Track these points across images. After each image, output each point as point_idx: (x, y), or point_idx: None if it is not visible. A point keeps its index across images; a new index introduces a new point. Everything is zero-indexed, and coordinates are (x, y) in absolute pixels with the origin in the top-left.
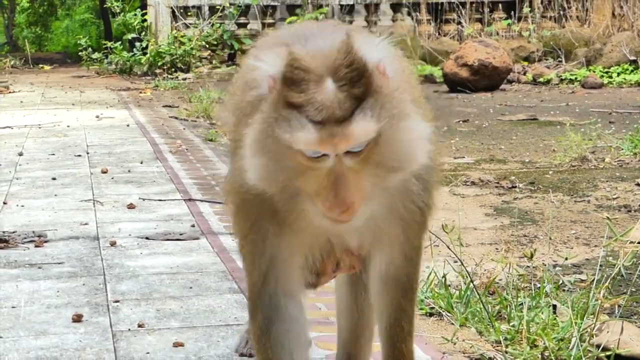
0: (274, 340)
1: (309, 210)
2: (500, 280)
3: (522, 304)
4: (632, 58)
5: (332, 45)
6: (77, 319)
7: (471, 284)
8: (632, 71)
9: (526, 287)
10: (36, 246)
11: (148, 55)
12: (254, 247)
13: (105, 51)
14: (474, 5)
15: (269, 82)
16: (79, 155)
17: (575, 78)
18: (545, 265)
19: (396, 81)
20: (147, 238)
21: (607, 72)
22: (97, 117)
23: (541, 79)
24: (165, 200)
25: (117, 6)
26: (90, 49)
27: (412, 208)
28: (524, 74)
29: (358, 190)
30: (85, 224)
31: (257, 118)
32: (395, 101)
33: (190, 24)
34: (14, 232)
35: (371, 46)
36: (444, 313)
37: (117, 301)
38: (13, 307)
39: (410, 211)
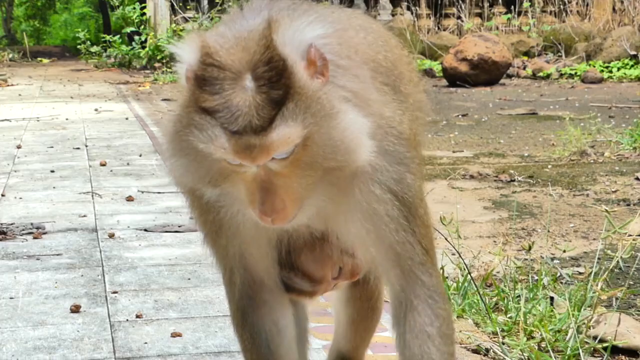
0: (250, 329)
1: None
2: (497, 272)
3: (519, 296)
4: (633, 53)
5: (254, 33)
6: (75, 309)
7: (469, 276)
8: (632, 66)
9: (524, 279)
10: (34, 238)
11: (147, 48)
12: (215, 242)
13: (104, 45)
14: (474, 1)
15: (187, 75)
16: (78, 148)
17: (575, 73)
18: (543, 257)
19: (337, 66)
20: (145, 230)
21: (607, 67)
22: (96, 110)
23: (541, 74)
24: (163, 192)
25: (117, 0)
26: (88, 43)
27: (377, 192)
28: (524, 68)
29: (289, 195)
30: (84, 216)
31: (172, 117)
32: (325, 99)
33: (189, 17)
34: (12, 224)
35: (298, 31)
36: None
37: (115, 292)
38: (11, 298)
39: (374, 196)
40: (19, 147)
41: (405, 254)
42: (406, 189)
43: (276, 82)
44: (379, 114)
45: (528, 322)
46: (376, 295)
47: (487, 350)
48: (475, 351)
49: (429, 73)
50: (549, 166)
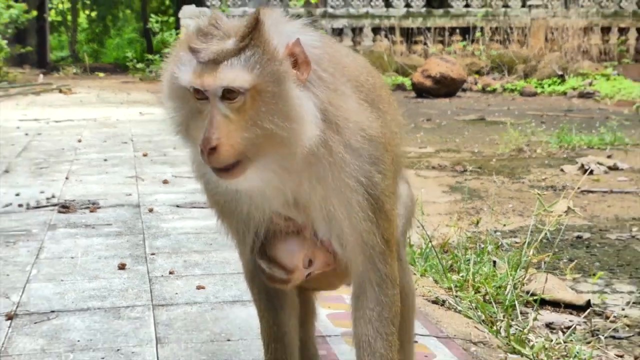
0: (258, 285)
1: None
2: (452, 241)
3: (469, 259)
4: (560, 73)
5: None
6: (122, 267)
7: (430, 244)
8: (559, 83)
9: (473, 247)
10: (91, 211)
11: None
12: (220, 219)
13: (147, 62)
14: (437, 30)
15: (188, 31)
16: (125, 142)
17: (515, 88)
18: (488, 230)
19: (318, 77)
20: (177, 206)
21: (540, 84)
22: (141, 113)
23: (488, 88)
24: (192, 177)
25: (157, 27)
26: (135, 61)
27: (350, 183)
28: (475, 84)
29: (228, 138)
30: (129, 194)
31: (167, 62)
32: (284, 66)
33: None
34: (73, 201)
35: (289, 25)
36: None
37: (153, 254)
38: (72, 258)
39: (348, 187)
40: (79, 141)
41: (368, 242)
42: (373, 185)
43: (245, 36)
44: (348, 117)
45: (476, 280)
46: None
47: (444, 301)
48: (434, 302)
49: (401, 87)
50: (494, 160)
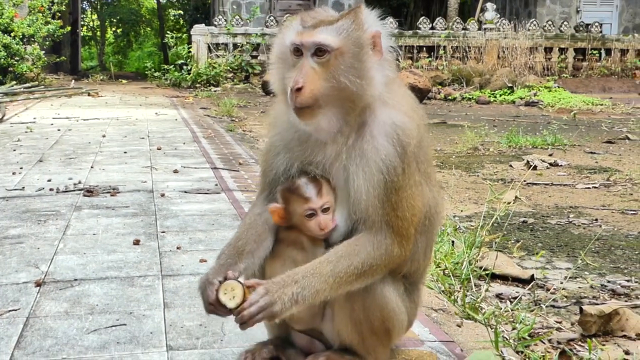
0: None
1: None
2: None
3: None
4: (509, 85)
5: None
6: (137, 242)
7: None
8: (509, 93)
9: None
10: (111, 195)
11: (191, 74)
12: (263, 167)
13: (163, 71)
14: (407, 48)
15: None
16: (143, 138)
17: (472, 97)
18: (448, 215)
19: (385, 47)
20: (185, 192)
21: (493, 94)
22: (156, 114)
23: (450, 97)
24: (198, 168)
25: (172, 42)
26: (153, 70)
27: (377, 162)
28: (439, 93)
29: (313, 84)
30: (145, 182)
31: (278, 35)
32: (358, 37)
33: (220, 55)
34: (96, 186)
35: (381, 21)
36: None
37: (163, 232)
38: (94, 234)
39: (375, 164)
40: (103, 136)
41: (371, 218)
42: (394, 172)
43: (341, 17)
44: (397, 102)
45: (437, 257)
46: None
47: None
48: None
49: None
50: (453, 156)
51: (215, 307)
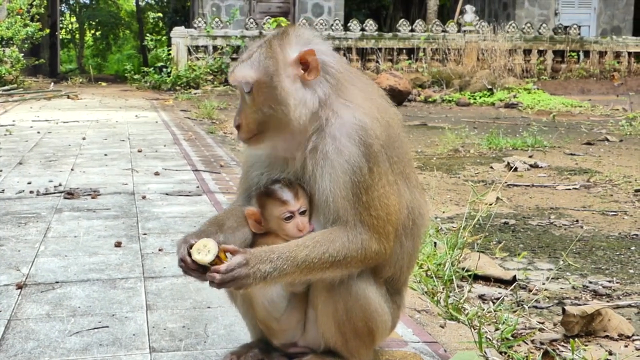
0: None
1: None
2: None
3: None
4: (489, 87)
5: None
6: (118, 245)
7: None
8: (489, 95)
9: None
10: (92, 198)
11: (171, 77)
12: (243, 177)
13: (143, 74)
14: (387, 50)
15: None
16: (123, 140)
17: (452, 99)
18: (430, 217)
19: (322, 62)
20: (166, 194)
21: (472, 96)
22: (136, 116)
23: (430, 99)
24: (179, 170)
25: (152, 45)
26: (133, 72)
27: (342, 164)
28: (419, 95)
29: (247, 119)
30: (126, 184)
31: None
32: (268, 66)
33: (199, 57)
34: (77, 188)
35: (312, 38)
36: None
37: (145, 234)
38: (75, 237)
39: (340, 166)
40: (83, 138)
41: (343, 218)
42: (362, 175)
43: (256, 51)
44: (349, 110)
45: (420, 258)
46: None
47: None
48: None
49: None
50: (434, 158)
51: (186, 265)
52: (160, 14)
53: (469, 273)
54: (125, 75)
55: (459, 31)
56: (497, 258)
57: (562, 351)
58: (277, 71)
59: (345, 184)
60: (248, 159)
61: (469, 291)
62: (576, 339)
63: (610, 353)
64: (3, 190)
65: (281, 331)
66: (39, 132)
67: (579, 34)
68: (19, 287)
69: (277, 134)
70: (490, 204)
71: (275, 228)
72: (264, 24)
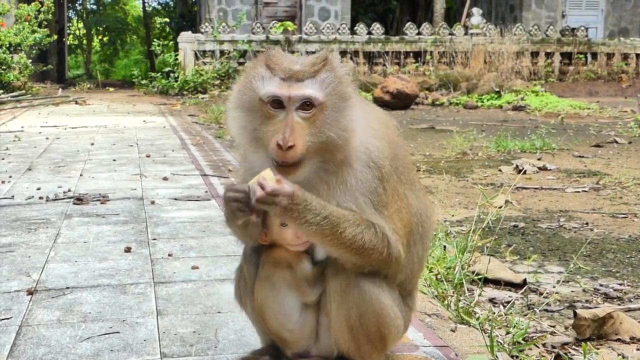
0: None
1: (265, 159)
2: None
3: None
4: (497, 89)
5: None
6: (128, 250)
7: None
8: (496, 98)
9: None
10: (101, 203)
11: (179, 82)
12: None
13: (150, 79)
14: (394, 53)
15: (259, 59)
16: (131, 145)
17: (460, 102)
18: (439, 220)
19: (350, 88)
20: (175, 199)
21: (480, 99)
22: (144, 121)
23: (437, 102)
24: (188, 175)
25: (159, 50)
26: (140, 77)
27: (360, 189)
28: (426, 98)
29: (299, 139)
30: (134, 189)
31: (239, 80)
32: (342, 91)
33: (207, 62)
34: (86, 194)
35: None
36: None
37: (154, 239)
38: (85, 242)
39: (358, 191)
40: (92, 144)
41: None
42: (376, 193)
43: (317, 63)
44: (371, 136)
45: (429, 262)
46: None
47: None
48: None
49: None
50: (442, 161)
51: (234, 190)
52: (167, 19)
53: (479, 276)
54: (133, 80)
55: (466, 34)
56: (507, 261)
57: (574, 355)
58: (347, 97)
59: (365, 202)
60: (245, 181)
61: (480, 295)
62: (588, 343)
63: (623, 356)
64: (13, 196)
65: (294, 342)
66: (47, 138)
67: (587, 35)
68: (30, 293)
69: (318, 161)
70: (500, 207)
71: (277, 237)
72: (271, 28)
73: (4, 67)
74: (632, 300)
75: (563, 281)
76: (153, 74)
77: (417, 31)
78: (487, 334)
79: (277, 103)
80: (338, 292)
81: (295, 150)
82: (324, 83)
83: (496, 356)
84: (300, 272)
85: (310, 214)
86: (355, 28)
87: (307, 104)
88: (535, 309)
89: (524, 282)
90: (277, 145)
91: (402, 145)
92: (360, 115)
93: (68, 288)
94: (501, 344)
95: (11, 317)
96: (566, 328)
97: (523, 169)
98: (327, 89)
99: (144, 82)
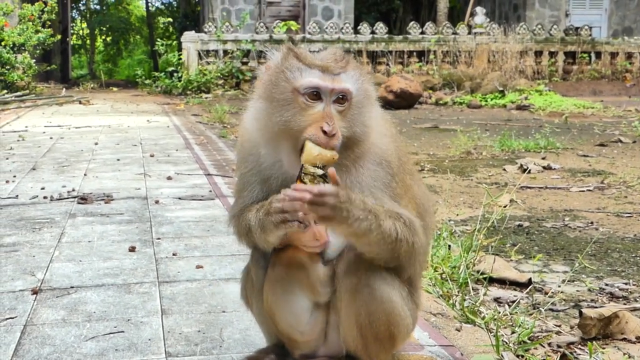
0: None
1: (290, 154)
2: None
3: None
4: (500, 89)
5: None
6: (132, 249)
7: None
8: (500, 97)
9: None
10: (105, 203)
11: (182, 81)
12: (248, 182)
13: (154, 78)
14: (397, 53)
15: (282, 51)
16: (135, 145)
17: (463, 101)
18: (443, 219)
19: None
20: (179, 198)
21: (484, 98)
22: (148, 121)
23: (441, 102)
24: (192, 174)
25: (162, 50)
26: (143, 77)
27: (375, 183)
28: (430, 98)
29: (338, 130)
30: (139, 189)
31: (266, 72)
32: (367, 88)
33: (210, 61)
34: (90, 193)
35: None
36: None
37: (159, 238)
38: (89, 242)
39: (373, 185)
40: (96, 143)
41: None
42: (390, 187)
43: (344, 60)
44: (381, 134)
45: (434, 261)
46: None
47: None
48: None
49: None
50: (446, 161)
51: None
52: (170, 19)
53: (484, 276)
54: (136, 80)
55: (469, 33)
56: (512, 261)
57: (580, 354)
58: (371, 95)
59: (383, 197)
60: (247, 183)
61: (485, 294)
62: (594, 342)
63: (629, 356)
64: (17, 195)
65: (304, 342)
66: (51, 138)
67: (590, 35)
68: (34, 292)
69: (345, 152)
70: (504, 206)
71: (293, 239)
72: (274, 27)
73: (7, 67)
74: (637, 299)
75: (568, 280)
76: (156, 74)
77: (420, 30)
78: (492, 334)
79: (316, 95)
80: (348, 290)
81: (337, 139)
82: (353, 78)
83: (502, 355)
84: (314, 273)
85: (356, 209)
86: (359, 27)
87: (341, 98)
88: (540, 309)
89: (529, 282)
90: (323, 131)
91: (397, 136)
92: (378, 113)
93: (72, 287)
94: (506, 343)
95: (16, 317)
96: (572, 327)
97: (527, 168)
98: (356, 84)
99: (147, 81)
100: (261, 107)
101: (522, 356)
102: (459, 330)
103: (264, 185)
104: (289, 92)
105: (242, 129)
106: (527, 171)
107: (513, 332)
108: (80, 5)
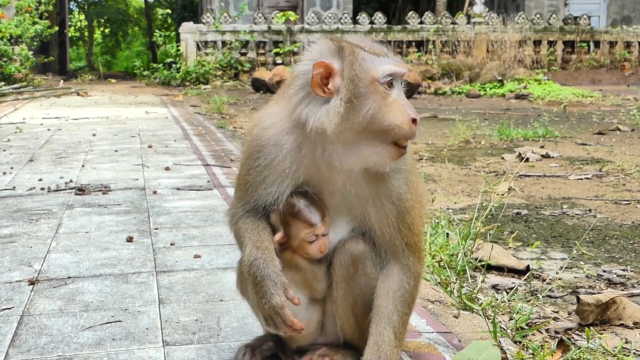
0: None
1: (374, 147)
2: None
3: (426, 232)
4: (499, 78)
5: None
6: (130, 240)
7: None
8: (499, 87)
9: (429, 221)
10: (103, 193)
11: (180, 73)
12: (253, 179)
13: (152, 70)
14: (396, 43)
15: (339, 45)
16: (133, 136)
17: (462, 91)
18: (442, 208)
19: None
20: (177, 189)
21: (483, 87)
22: (146, 112)
23: (440, 91)
24: (190, 165)
25: (161, 41)
26: (142, 69)
27: (388, 194)
28: (429, 87)
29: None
30: (136, 179)
31: (316, 68)
32: None
33: (208, 52)
34: (88, 185)
35: None
36: None
37: (156, 228)
38: (87, 232)
39: (386, 196)
40: (94, 135)
41: (391, 242)
42: (403, 201)
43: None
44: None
45: (432, 249)
46: None
47: None
48: None
49: None
50: (445, 150)
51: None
52: (168, 10)
53: (482, 263)
54: (135, 71)
55: (468, 23)
56: (510, 248)
57: (577, 340)
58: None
59: (390, 212)
60: (259, 177)
61: (483, 281)
62: (591, 328)
63: (626, 341)
64: (14, 187)
65: (301, 337)
66: (49, 130)
67: (589, 24)
68: (32, 283)
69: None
70: (503, 194)
71: (296, 246)
72: (273, 18)
73: (5, 59)
74: (635, 285)
75: (566, 267)
76: (155, 65)
77: (419, 20)
78: (490, 320)
79: (390, 83)
80: (345, 280)
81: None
82: None
83: (499, 342)
84: (311, 273)
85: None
86: (358, 17)
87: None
88: (538, 295)
89: (527, 269)
90: (413, 120)
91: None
92: None
93: (70, 278)
94: (504, 329)
95: (13, 307)
96: (569, 314)
97: (526, 156)
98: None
99: (145, 73)
100: (350, 107)
101: (520, 342)
102: (456, 317)
103: (281, 182)
104: (369, 84)
105: (262, 118)
106: (525, 160)
107: (511, 319)
108: None
